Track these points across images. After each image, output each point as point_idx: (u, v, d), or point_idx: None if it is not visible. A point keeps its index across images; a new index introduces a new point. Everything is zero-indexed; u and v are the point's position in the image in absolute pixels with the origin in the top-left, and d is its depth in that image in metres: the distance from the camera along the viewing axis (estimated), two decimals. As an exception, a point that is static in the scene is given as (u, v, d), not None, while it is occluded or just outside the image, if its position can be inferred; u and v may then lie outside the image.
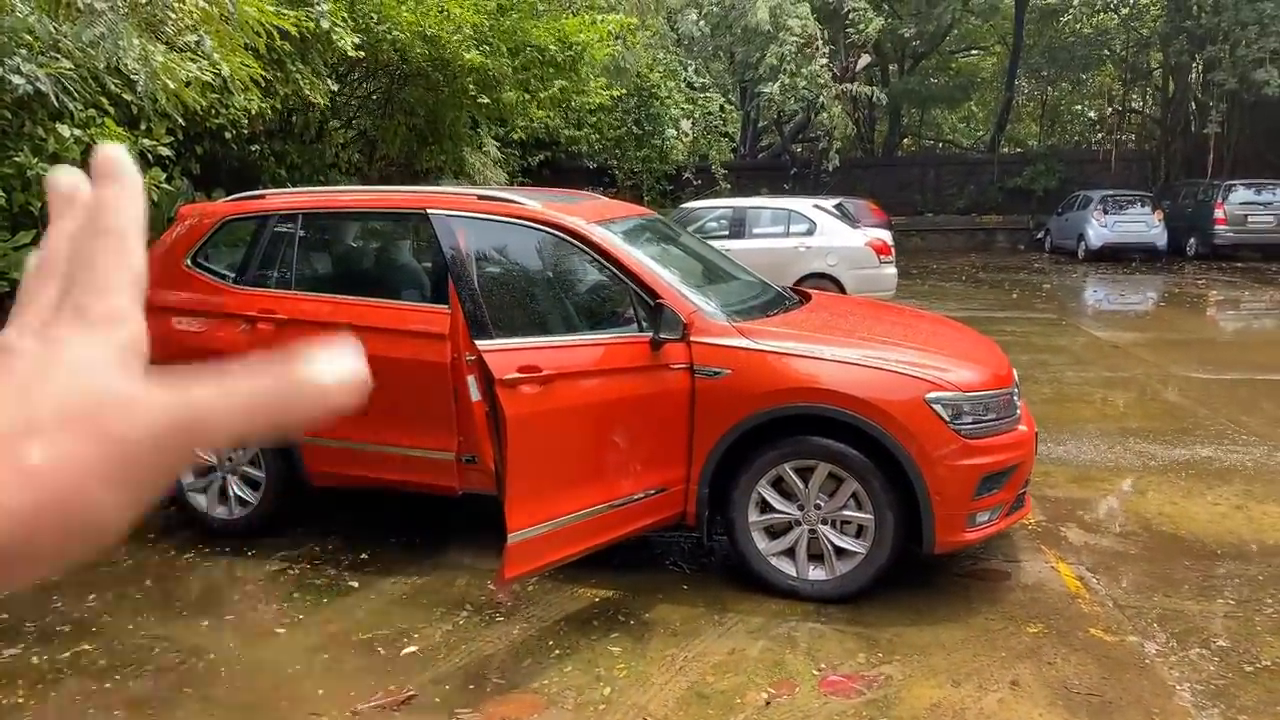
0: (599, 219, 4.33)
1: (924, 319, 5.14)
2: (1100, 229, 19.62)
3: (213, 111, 6.89)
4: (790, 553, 3.96)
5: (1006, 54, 28.16)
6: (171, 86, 5.09)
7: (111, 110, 6.08)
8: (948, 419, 3.73)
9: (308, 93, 7.60)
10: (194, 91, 5.40)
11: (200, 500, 4.76)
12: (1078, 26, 26.32)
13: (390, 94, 10.31)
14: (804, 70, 17.38)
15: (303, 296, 4.54)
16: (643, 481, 3.84)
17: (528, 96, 9.95)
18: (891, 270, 11.40)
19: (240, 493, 4.70)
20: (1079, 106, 30.36)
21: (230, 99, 6.91)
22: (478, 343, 3.40)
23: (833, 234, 11.35)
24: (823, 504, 3.89)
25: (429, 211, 3.97)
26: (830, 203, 12.39)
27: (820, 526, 3.90)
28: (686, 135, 18.05)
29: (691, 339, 3.85)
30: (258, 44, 5.90)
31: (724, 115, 18.46)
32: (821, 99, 17.65)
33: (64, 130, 5.67)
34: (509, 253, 4.19)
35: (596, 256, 4.02)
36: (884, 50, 25.47)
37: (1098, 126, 29.67)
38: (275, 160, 8.69)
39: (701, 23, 19.02)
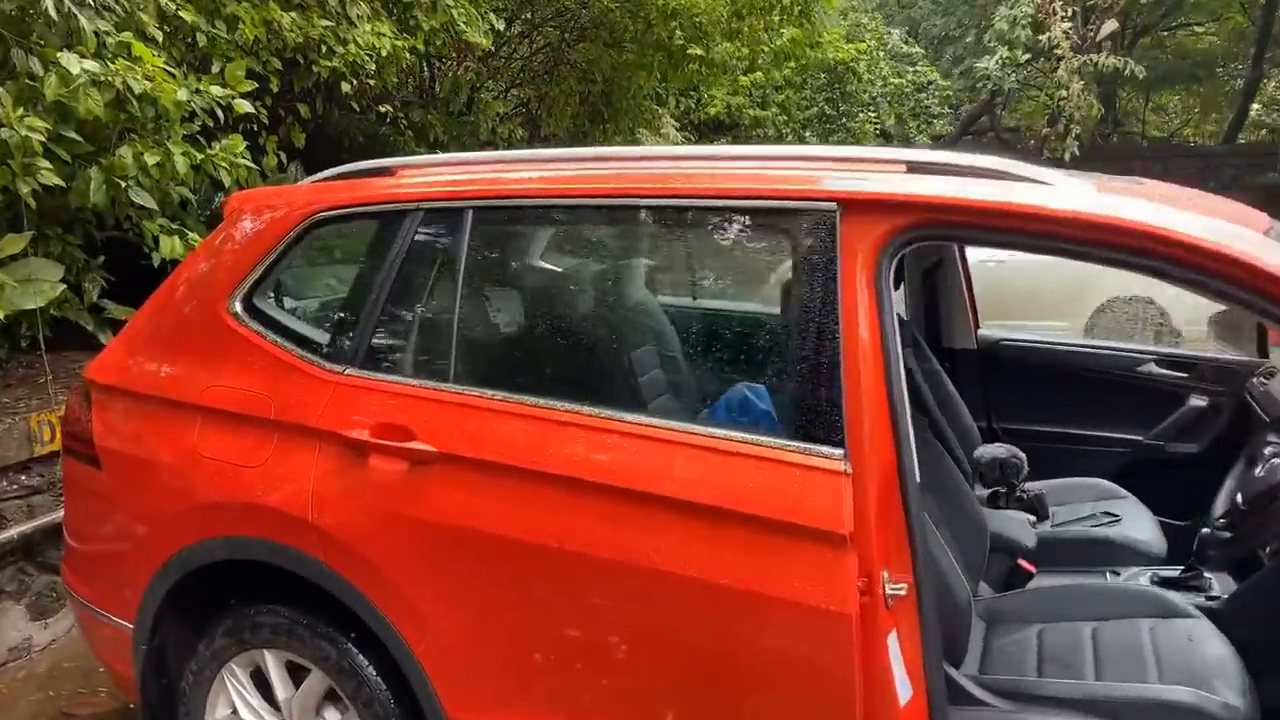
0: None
1: None
2: None
3: (322, 49, 4.47)
4: None
5: (1243, 26, 23.77)
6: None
7: (160, 37, 3.73)
8: None
9: (463, 28, 5.12)
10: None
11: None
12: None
13: (559, 53, 7.85)
14: (1041, 38, 14.08)
15: (479, 400, 1.95)
16: None
17: (747, 51, 7.26)
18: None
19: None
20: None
21: (349, 31, 4.48)
22: None
23: (1153, 242, 8.25)
24: None
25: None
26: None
27: None
28: (883, 115, 14.96)
29: None
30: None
31: (937, 92, 15.27)
32: (1060, 73, 14.25)
33: (69, 62, 3.32)
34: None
35: None
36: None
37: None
38: (413, 134, 6.32)
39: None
